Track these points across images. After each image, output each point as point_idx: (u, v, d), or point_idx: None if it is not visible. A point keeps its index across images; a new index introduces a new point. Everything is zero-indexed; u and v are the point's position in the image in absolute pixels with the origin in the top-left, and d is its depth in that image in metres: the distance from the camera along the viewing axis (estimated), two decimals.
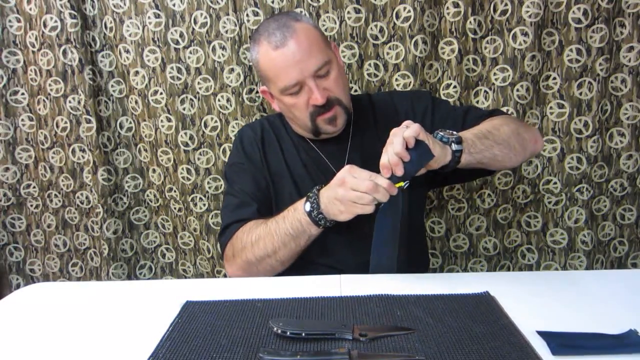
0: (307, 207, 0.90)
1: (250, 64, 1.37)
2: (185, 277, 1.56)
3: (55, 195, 1.52)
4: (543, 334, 0.62)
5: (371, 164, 1.10)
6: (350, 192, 0.83)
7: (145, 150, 1.47)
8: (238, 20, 1.34)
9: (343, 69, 1.05)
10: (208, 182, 1.46)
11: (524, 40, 1.31)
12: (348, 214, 0.85)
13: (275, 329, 0.63)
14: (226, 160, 1.44)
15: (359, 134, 1.11)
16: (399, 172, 0.81)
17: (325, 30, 1.34)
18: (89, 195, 1.50)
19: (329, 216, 0.88)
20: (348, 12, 1.32)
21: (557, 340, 0.60)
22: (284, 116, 1.13)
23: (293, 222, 0.92)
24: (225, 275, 1.52)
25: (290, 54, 0.94)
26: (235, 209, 1.06)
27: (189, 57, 1.37)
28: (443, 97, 1.38)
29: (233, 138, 1.42)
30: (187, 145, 1.44)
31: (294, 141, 1.11)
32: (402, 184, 0.84)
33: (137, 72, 1.40)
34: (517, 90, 1.35)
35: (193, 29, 1.36)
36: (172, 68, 1.38)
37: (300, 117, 1.02)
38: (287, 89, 0.97)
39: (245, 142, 1.12)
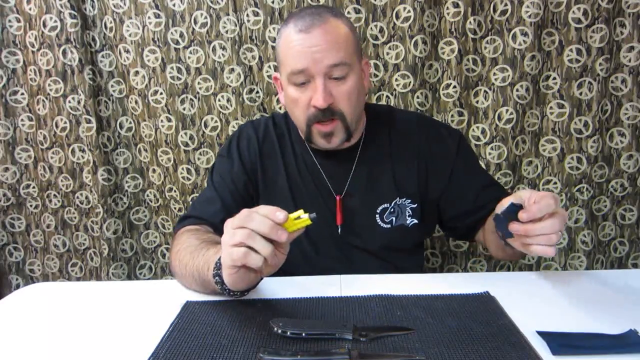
0: (217, 260, 0.70)
1: (251, 64, 1.38)
2: None
3: (55, 195, 1.52)
4: (543, 334, 0.62)
5: (375, 193, 0.98)
6: (228, 231, 0.65)
7: (145, 150, 1.47)
8: (238, 21, 1.34)
9: (363, 88, 0.94)
10: None
11: (524, 40, 1.31)
12: (226, 270, 0.66)
13: (275, 329, 0.63)
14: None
15: (368, 156, 0.99)
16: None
17: None
18: (89, 195, 1.50)
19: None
20: (348, 12, 1.32)
21: (557, 340, 0.60)
22: (290, 121, 1.02)
23: (203, 267, 0.74)
24: None
25: (309, 42, 0.84)
26: (202, 202, 0.98)
27: (189, 57, 1.37)
28: (443, 98, 1.38)
29: None
30: (187, 145, 1.44)
31: (295, 151, 1.01)
32: (300, 217, 0.65)
33: (137, 72, 1.40)
34: (517, 90, 1.35)
35: (193, 29, 1.36)
36: (172, 68, 1.38)
37: (298, 116, 0.92)
38: (294, 74, 0.87)
39: (242, 141, 1.02)
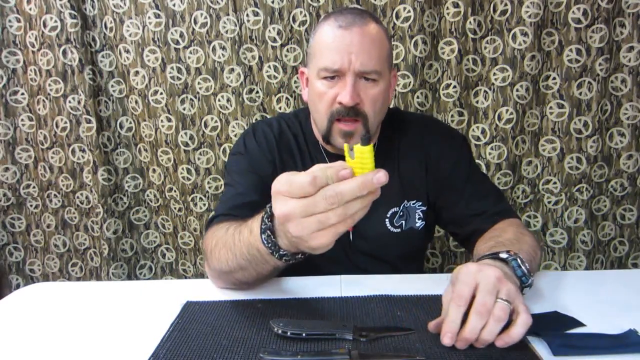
0: (264, 238, 0.63)
1: (251, 64, 1.37)
2: (185, 277, 1.57)
3: (55, 195, 1.52)
4: (543, 334, 0.62)
5: (384, 197, 0.96)
6: (289, 202, 0.53)
7: (145, 150, 1.47)
8: (238, 20, 1.34)
9: (388, 98, 0.93)
10: (208, 182, 1.46)
11: (524, 40, 1.31)
12: (320, 240, 0.54)
13: (275, 329, 0.63)
14: (226, 160, 1.44)
15: (380, 161, 0.94)
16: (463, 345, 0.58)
17: None
18: (89, 195, 1.50)
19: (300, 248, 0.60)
20: None
21: (557, 341, 0.60)
22: (302, 122, 1.01)
23: (250, 247, 0.66)
24: None
25: (348, 39, 0.84)
26: (226, 201, 0.92)
27: (189, 57, 1.38)
28: (443, 98, 1.38)
29: (233, 138, 1.42)
30: (187, 145, 1.44)
31: (310, 152, 0.98)
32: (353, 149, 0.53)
33: (137, 72, 1.40)
34: (517, 90, 1.35)
35: (193, 29, 1.36)
36: (172, 68, 1.38)
37: (321, 110, 0.89)
38: (325, 70, 0.86)
39: (258, 137, 0.99)
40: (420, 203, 0.98)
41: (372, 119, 0.88)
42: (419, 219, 0.98)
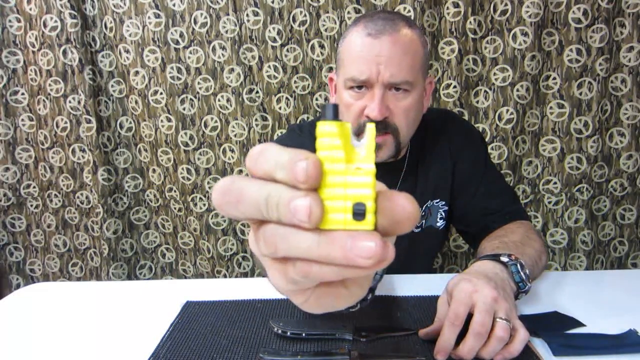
0: None
1: (251, 64, 1.37)
2: (185, 277, 1.57)
3: (55, 195, 1.52)
4: (543, 334, 0.62)
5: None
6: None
7: (145, 150, 1.47)
8: (238, 20, 1.34)
9: (422, 106, 0.86)
10: (208, 182, 1.46)
11: (524, 40, 1.31)
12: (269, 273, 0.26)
13: (275, 329, 0.63)
14: (226, 160, 1.44)
15: (413, 166, 0.93)
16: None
17: (325, 30, 1.34)
18: (89, 195, 1.50)
19: None
20: (348, 12, 1.32)
21: (557, 341, 0.61)
22: None
23: None
24: (225, 276, 1.52)
25: (377, 49, 0.77)
26: None
27: (189, 57, 1.37)
28: (443, 98, 1.38)
29: (233, 138, 1.42)
30: (187, 145, 1.44)
31: None
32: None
33: (137, 72, 1.40)
34: (517, 90, 1.35)
35: (193, 29, 1.36)
36: (172, 68, 1.38)
37: (347, 121, 0.84)
38: (352, 80, 0.80)
39: (304, 134, 0.95)
40: (444, 202, 0.95)
41: (404, 131, 0.83)
42: (440, 218, 0.95)
